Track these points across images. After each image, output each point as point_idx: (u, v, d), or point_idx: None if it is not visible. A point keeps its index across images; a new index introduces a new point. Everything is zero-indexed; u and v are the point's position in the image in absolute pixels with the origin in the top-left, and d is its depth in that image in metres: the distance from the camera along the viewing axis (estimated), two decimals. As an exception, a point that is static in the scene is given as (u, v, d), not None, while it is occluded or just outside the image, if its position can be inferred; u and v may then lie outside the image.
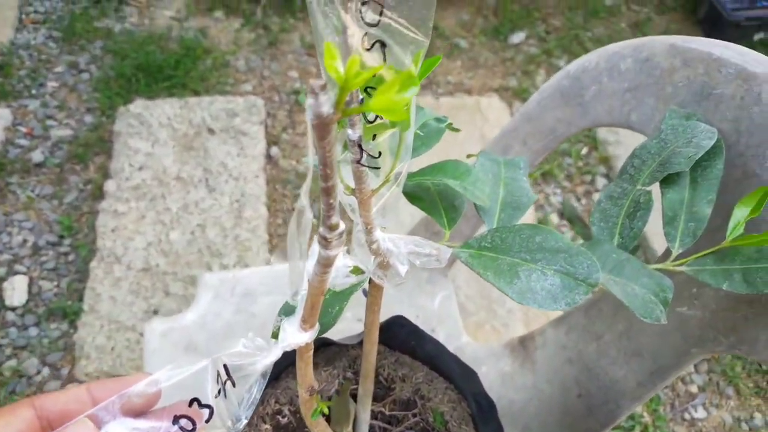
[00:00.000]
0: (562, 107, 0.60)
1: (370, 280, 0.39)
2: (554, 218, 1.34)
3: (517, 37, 1.80)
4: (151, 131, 1.50)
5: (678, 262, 0.43)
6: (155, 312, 1.21)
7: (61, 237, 1.35)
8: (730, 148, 0.47)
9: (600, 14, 1.90)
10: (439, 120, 0.45)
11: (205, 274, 0.77)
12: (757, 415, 1.24)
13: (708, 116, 0.49)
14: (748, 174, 0.46)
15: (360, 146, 0.30)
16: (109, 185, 1.40)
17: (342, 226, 0.27)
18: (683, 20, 1.92)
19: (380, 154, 0.30)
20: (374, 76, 0.28)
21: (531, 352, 0.74)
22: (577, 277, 0.37)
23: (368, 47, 0.26)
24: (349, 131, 0.28)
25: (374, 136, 0.29)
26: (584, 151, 1.51)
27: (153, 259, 1.30)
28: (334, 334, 0.59)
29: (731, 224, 0.41)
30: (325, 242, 0.27)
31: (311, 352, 0.36)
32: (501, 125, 1.53)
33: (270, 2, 1.83)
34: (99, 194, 1.40)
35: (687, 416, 1.23)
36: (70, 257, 1.32)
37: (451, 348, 0.77)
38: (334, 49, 0.20)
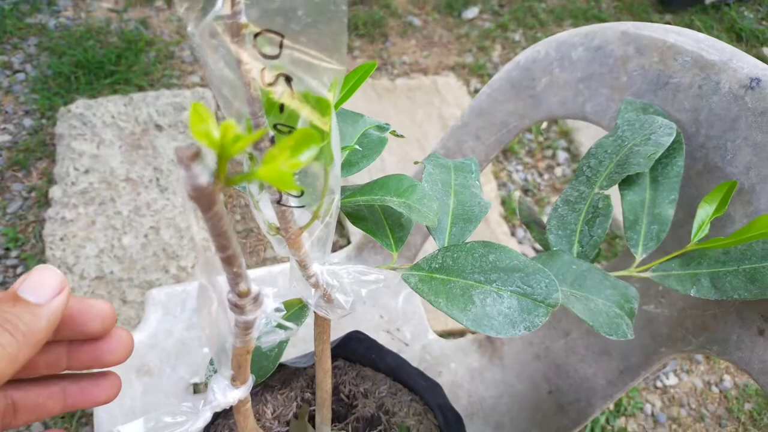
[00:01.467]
0: (513, 100, 0.57)
1: (314, 311, 0.36)
2: (517, 195, 1.32)
3: (471, 12, 1.76)
4: (96, 132, 1.43)
5: (642, 268, 0.40)
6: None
7: (7, 249, 1.28)
8: (690, 139, 0.44)
9: (553, -16, 1.87)
10: (380, 128, 0.42)
11: (152, 290, 0.73)
12: (727, 377, 1.25)
13: (665, 106, 0.46)
14: (710, 167, 0.43)
15: (279, 191, 0.26)
16: (55, 191, 1.33)
17: (254, 290, 0.24)
18: (636, -13, 1.90)
19: (303, 192, 0.27)
20: (289, 104, 0.24)
21: (498, 347, 0.72)
22: (536, 297, 0.34)
23: (271, 82, 0.22)
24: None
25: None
26: (544, 125, 1.49)
27: (107, 266, 1.24)
28: (287, 354, 0.56)
29: (695, 225, 0.39)
30: (238, 309, 0.24)
31: (249, 404, 0.32)
32: (459, 104, 1.50)
33: (213, -13, 1.75)
34: (44, 202, 1.33)
35: (659, 384, 1.24)
36: (19, 270, 1.26)
37: (418, 346, 0.75)
38: (203, 111, 0.16)
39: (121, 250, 1.27)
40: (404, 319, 0.77)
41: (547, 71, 0.54)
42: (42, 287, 0.25)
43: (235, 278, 0.21)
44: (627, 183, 0.42)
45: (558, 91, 0.54)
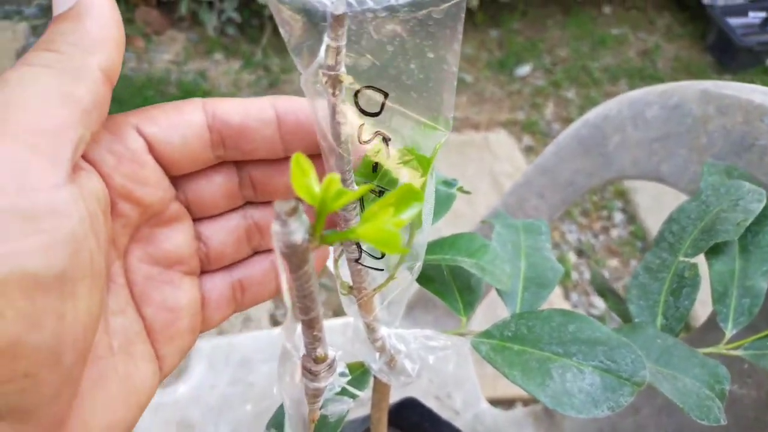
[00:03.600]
0: (581, 158, 0.55)
1: (374, 375, 0.34)
2: (571, 257, 1.28)
3: (523, 70, 1.76)
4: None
5: (732, 345, 0.37)
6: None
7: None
8: (782, 206, 0.41)
9: (607, 43, 1.87)
10: (448, 183, 0.40)
11: (198, 341, 0.71)
12: None
13: (751, 170, 0.43)
14: (805, 236, 0.40)
15: (359, 244, 0.24)
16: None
17: (331, 355, 0.22)
18: (692, 47, 1.88)
19: (384, 254, 0.25)
20: (385, 163, 0.23)
21: (558, 422, 0.68)
22: (621, 374, 0.31)
23: (366, 140, 0.21)
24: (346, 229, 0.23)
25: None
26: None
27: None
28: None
29: (794, 300, 0.35)
30: (311, 375, 0.22)
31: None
32: (510, 160, 1.48)
33: (270, 43, 1.80)
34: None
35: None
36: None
37: (469, 415, 0.71)
38: (305, 163, 0.15)
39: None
40: (455, 385, 0.73)
41: (620, 129, 0.52)
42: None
43: (314, 342, 0.19)
44: (714, 251, 0.39)
45: (631, 150, 0.52)
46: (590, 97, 1.68)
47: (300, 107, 0.22)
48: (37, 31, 1.90)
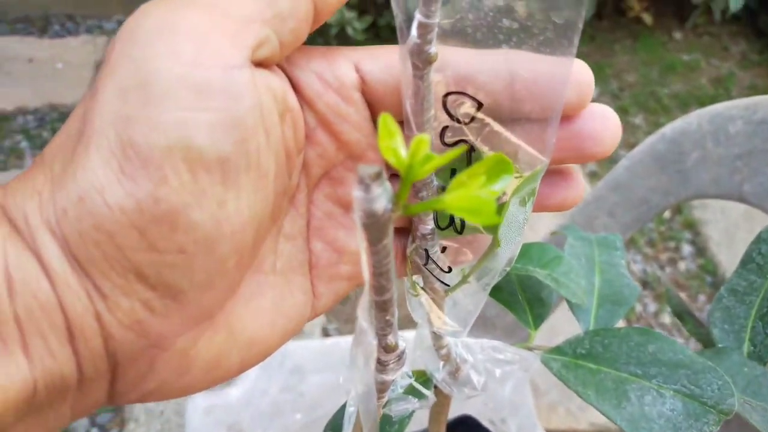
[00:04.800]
0: (657, 175, 0.52)
1: (436, 386, 0.32)
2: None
3: (589, 94, 1.73)
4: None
5: (830, 379, 0.34)
6: (205, 376, 1.16)
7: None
8: None
9: (677, 69, 1.81)
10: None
11: (253, 347, 0.71)
12: None
13: None
14: None
15: (426, 249, 0.23)
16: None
17: (401, 345, 0.21)
18: (769, 75, 1.80)
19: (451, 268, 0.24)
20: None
21: (618, 454, 0.64)
22: (705, 401, 0.29)
23: (449, 143, 0.20)
24: (420, 225, 0.22)
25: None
26: (667, 214, 1.40)
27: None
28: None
29: None
30: (379, 365, 0.20)
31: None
32: (572, 185, 1.44)
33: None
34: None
35: None
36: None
37: (523, 442, 0.68)
38: (392, 124, 0.14)
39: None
40: (511, 410, 0.71)
41: (699, 145, 0.49)
42: None
43: (385, 328, 0.18)
44: (809, 276, 0.36)
45: (711, 167, 0.49)
46: (659, 123, 1.62)
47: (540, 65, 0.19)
48: (114, 45, 1.99)
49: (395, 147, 0.13)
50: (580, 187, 0.22)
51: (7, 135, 1.66)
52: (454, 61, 0.19)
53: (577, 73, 0.19)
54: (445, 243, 0.23)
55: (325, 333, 1.22)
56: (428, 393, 0.27)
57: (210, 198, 0.17)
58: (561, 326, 0.78)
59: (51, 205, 0.16)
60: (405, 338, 0.24)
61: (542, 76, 0.19)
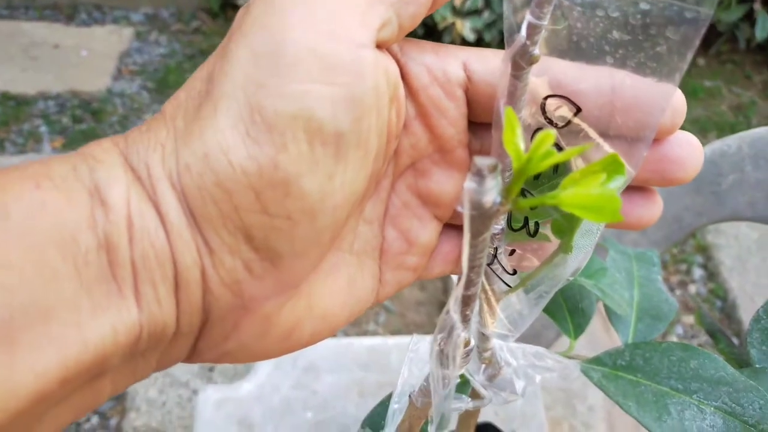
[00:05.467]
0: (691, 194, 0.52)
1: (472, 389, 0.32)
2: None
3: (608, 113, 1.72)
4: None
5: None
6: (211, 369, 1.16)
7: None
8: None
9: (699, 95, 1.81)
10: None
11: (269, 342, 0.71)
12: None
13: None
14: None
15: (496, 248, 0.23)
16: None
17: (472, 342, 0.21)
18: (790, 106, 1.80)
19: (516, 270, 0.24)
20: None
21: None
22: (746, 420, 0.29)
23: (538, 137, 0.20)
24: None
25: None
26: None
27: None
28: None
29: None
30: (447, 360, 0.20)
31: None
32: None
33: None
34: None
35: None
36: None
37: (532, 455, 0.67)
38: (515, 120, 0.14)
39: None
40: (522, 422, 0.70)
41: (738, 168, 0.49)
42: None
43: (464, 323, 0.18)
44: None
45: (748, 190, 0.49)
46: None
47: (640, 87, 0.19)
48: (140, 37, 2.01)
49: (517, 141, 0.13)
50: (657, 207, 0.22)
51: (27, 119, 1.67)
52: (559, 69, 0.19)
53: (674, 99, 0.20)
54: (513, 247, 0.23)
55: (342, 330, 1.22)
56: (486, 394, 0.27)
57: (321, 170, 0.17)
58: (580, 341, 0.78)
59: (173, 158, 0.17)
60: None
61: (644, 96, 0.19)
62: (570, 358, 0.33)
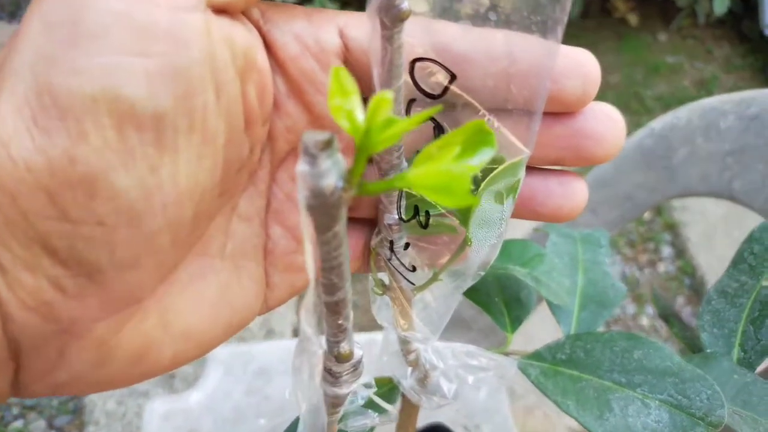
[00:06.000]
0: (643, 171, 0.50)
1: (402, 393, 0.29)
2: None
3: (571, 94, 1.71)
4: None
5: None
6: (172, 376, 1.12)
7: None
8: None
9: (661, 71, 1.80)
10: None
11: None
12: None
13: None
14: None
15: (392, 242, 0.20)
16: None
17: (357, 354, 0.18)
18: (752, 79, 1.80)
19: (415, 267, 0.21)
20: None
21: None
22: (694, 412, 0.27)
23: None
24: (385, 213, 0.19)
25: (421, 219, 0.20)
26: (647, 215, 1.39)
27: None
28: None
29: None
30: (331, 377, 0.17)
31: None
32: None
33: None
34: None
35: None
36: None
37: (498, 448, 0.65)
38: (347, 80, 0.11)
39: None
40: (485, 416, 0.68)
41: (688, 141, 0.47)
42: None
43: (338, 334, 0.15)
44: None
45: (699, 163, 0.46)
46: (641, 124, 1.61)
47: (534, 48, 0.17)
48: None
49: (350, 108, 0.11)
50: (579, 194, 0.20)
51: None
52: (446, 32, 0.17)
53: (583, 65, 0.17)
54: (413, 240, 0.20)
55: (297, 333, 1.19)
56: (390, 408, 0.24)
57: (139, 161, 0.14)
58: (538, 332, 0.76)
59: None
60: (375, 341, 0.21)
61: (537, 57, 0.17)
62: (508, 354, 0.30)
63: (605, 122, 0.18)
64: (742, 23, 1.89)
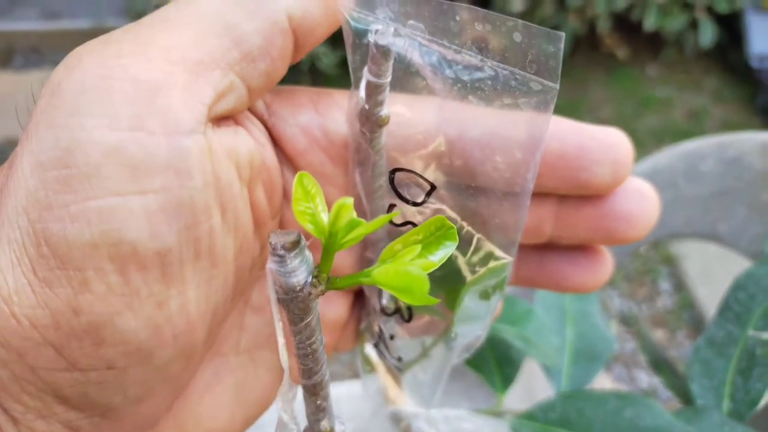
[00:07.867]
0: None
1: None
2: (613, 326, 1.21)
3: (564, 129, 1.73)
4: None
5: (817, 438, 0.32)
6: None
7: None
8: None
9: (652, 105, 1.83)
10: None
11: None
12: None
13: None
14: None
15: (380, 327, 0.21)
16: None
17: (338, 429, 0.18)
18: (741, 110, 1.83)
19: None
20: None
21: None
22: None
23: (399, 224, 0.18)
24: (372, 298, 0.20)
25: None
26: (643, 249, 1.39)
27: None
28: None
29: None
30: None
31: None
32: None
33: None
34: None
35: None
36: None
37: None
38: (310, 184, 0.12)
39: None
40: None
41: (671, 184, 0.48)
42: None
43: (317, 413, 0.16)
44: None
45: (684, 206, 0.48)
46: (635, 159, 1.63)
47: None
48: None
49: (314, 212, 0.11)
50: (604, 268, 0.19)
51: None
52: (449, 109, 0.16)
53: (614, 148, 0.17)
54: (398, 331, 0.21)
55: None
56: None
57: (145, 300, 0.14)
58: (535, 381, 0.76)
59: None
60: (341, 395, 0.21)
61: (518, 135, 0.16)
62: (500, 414, 0.30)
63: (638, 202, 0.18)
64: (728, 54, 1.92)
